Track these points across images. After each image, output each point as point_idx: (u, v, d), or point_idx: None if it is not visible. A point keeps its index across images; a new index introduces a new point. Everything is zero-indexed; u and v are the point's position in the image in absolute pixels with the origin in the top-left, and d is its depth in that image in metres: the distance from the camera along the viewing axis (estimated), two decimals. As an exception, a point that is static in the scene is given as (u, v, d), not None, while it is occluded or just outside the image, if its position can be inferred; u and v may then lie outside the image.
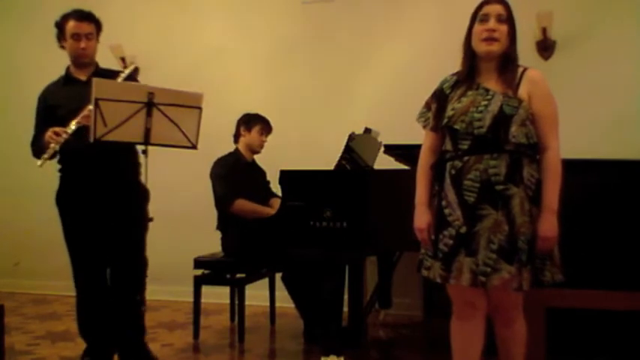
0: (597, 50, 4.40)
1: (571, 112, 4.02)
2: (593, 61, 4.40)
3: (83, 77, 3.07)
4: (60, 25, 3.08)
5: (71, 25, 3.04)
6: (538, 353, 2.72)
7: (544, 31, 4.42)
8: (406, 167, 3.90)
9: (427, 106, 2.45)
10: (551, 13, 4.41)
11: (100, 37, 3.16)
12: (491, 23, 2.26)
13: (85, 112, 2.87)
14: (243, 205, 3.93)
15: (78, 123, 2.88)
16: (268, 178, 4.29)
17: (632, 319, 3.01)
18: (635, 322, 3.05)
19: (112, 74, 3.10)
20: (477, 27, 2.29)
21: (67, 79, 3.09)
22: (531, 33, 4.46)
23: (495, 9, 2.27)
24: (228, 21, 5.32)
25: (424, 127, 2.45)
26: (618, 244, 2.85)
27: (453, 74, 2.40)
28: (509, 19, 2.28)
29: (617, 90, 4.34)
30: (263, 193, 4.25)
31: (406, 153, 3.69)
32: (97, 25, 3.10)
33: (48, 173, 3.25)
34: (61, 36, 3.09)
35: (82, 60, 3.06)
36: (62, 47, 3.11)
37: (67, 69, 3.13)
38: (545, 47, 4.47)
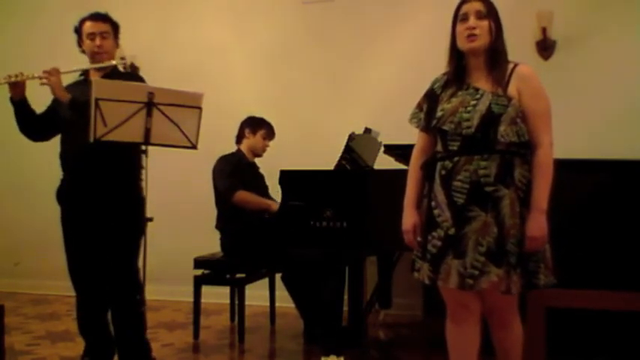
0: (597, 50, 4.41)
1: (571, 111, 4.05)
2: (593, 61, 4.40)
3: (98, 77, 3.07)
4: (77, 29, 3.10)
5: (87, 25, 3.06)
6: (538, 353, 2.72)
7: (544, 31, 4.42)
8: (406, 167, 3.90)
9: (419, 106, 2.43)
10: (551, 13, 4.41)
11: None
12: (471, 21, 2.24)
13: (48, 69, 2.90)
14: (245, 195, 3.93)
15: (40, 77, 2.92)
16: (268, 178, 4.28)
17: (632, 319, 3.01)
18: (635, 322, 3.05)
19: (125, 77, 3.10)
20: (459, 27, 2.28)
21: (83, 80, 3.09)
22: (531, 33, 4.46)
23: (473, 6, 2.26)
24: (229, 21, 5.33)
25: (416, 127, 2.44)
26: (618, 244, 2.85)
27: (444, 73, 2.38)
28: (490, 15, 2.25)
29: (617, 90, 4.34)
30: (263, 194, 4.25)
31: (406, 153, 3.67)
32: (113, 25, 3.11)
33: (49, 173, 3.25)
34: (79, 39, 3.10)
35: (97, 59, 3.06)
36: (83, 52, 3.12)
37: (88, 70, 3.14)
38: (545, 47, 4.47)
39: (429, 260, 2.24)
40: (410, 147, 3.55)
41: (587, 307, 2.86)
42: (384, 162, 3.99)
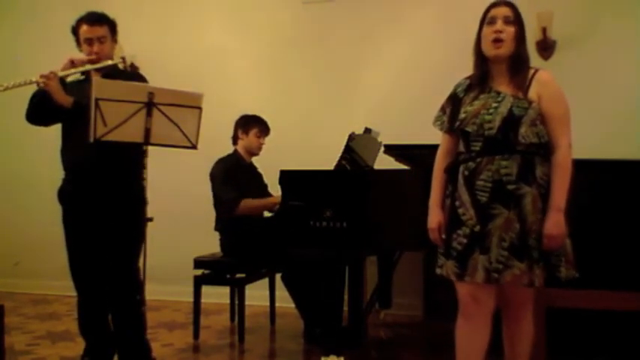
0: (597, 50, 4.41)
1: (570, 112, 4.04)
2: (593, 61, 4.40)
3: (99, 77, 3.07)
4: (74, 30, 3.08)
5: (83, 29, 3.04)
6: (539, 353, 2.72)
7: (544, 31, 4.43)
8: (406, 167, 3.91)
9: (442, 109, 2.50)
10: (551, 13, 4.41)
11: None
12: (499, 25, 2.32)
13: (45, 73, 2.86)
14: (249, 204, 3.92)
15: (37, 82, 2.87)
16: (268, 178, 4.28)
17: (632, 319, 3.01)
18: (635, 322, 3.05)
19: (126, 76, 3.09)
20: (485, 30, 2.35)
21: (85, 79, 3.09)
22: (531, 33, 4.41)
23: (502, 11, 2.34)
24: (229, 21, 5.33)
25: (440, 130, 2.50)
26: (618, 244, 2.85)
27: (467, 77, 2.45)
28: (516, 21, 2.34)
29: (617, 90, 4.34)
30: (263, 195, 4.26)
31: (406, 153, 3.69)
32: (111, 26, 3.09)
33: (48, 174, 3.25)
34: (77, 41, 3.09)
35: (95, 61, 3.05)
36: (81, 51, 3.10)
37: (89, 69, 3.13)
38: (545, 47, 4.47)
39: (454, 257, 2.30)
40: (410, 147, 3.56)
41: (587, 307, 2.86)
42: (384, 162, 3.99)
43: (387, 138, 3.95)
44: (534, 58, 4.37)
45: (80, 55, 3.03)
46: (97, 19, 3.05)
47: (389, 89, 4.81)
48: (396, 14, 4.89)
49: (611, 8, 4.43)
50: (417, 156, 3.55)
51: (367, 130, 4.00)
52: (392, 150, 3.72)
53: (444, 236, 2.38)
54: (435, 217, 2.43)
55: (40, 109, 3.00)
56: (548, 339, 2.83)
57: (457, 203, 2.33)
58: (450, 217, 2.36)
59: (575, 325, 3.15)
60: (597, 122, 4.26)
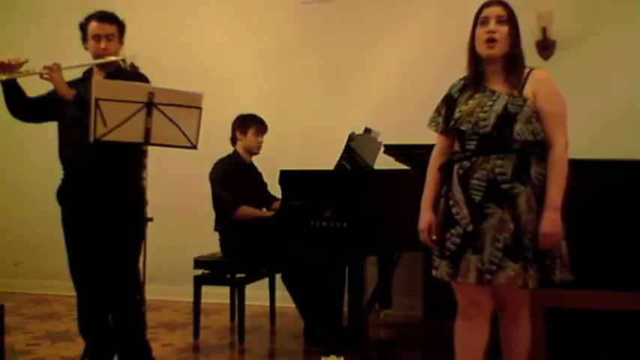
0: (597, 50, 4.41)
1: (570, 111, 4.02)
2: (593, 61, 4.40)
3: (100, 77, 3.07)
4: (83, 27, 3.08)
5: (93, 26, 3.05)
6: (539, 353, 2.72)
7: (544, 31, 4.43)
8: (406, 167, 3.91)
9: (437, 110, 2.50)
10: (551, 13, 4.41)
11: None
12: (491, 25, 2.30)
13: (49, 65, 2.88)
14: (246, 211, 3.93)
15: (40, 73, 2.89)
16: (268, 178, 4.28)
17: (632, 319, 3.01)
18: (635, 322, 3.05)
19: (129, 76, 3.10)
20: (478, 30, 2.33)
21: (86, 78, 3.09)
22: (531, 33, 4.46)
23: (494, 11, 2.32)
24: (228, 21, 5.33)
25: (435, 131, 2.49)
26: (618, 244, 2.85)
27: (462, 78, 2.44)
28: (510, 20, 2.32)
29: (617, 90, 4.34)
30: (263, 195, 4.26)
31: (406, 153, 3.69)
32: (120, 26, 3.10)
33: (49, 173, 3.25)
34: (84, 37, 3.09)
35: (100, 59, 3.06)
36: (86, 49, 3.11)
37: (92, 69, 3.13)
38: (545, 47, 4.47)
39: (447, 257, 2.28)
40: (410, 147, 3.56)
41: (586, 307, 2.86)
42: (384, 162, 3.99)
43: (387, 138, 3.95)
44: (534, 58, 4.40)
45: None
46: (107, 17, 3.07)
47: (389, 89, 4.81)
48: (396, 14, 4.89)
49: (611, 8, 4.42)
50: (417, 156, 3.55)
51: (367, 130, 4.00)
52: (392, 150, 3.73)
53: (434, 237, 2.36)
54: (425, 217, 2.41)
55: (10, 102, 3.01)
56: (548, 339, 2.83)
57: (451, 202, 2.31)
58: (444, 217, 2.34)
59: (575, 325, 3.15)
60: (596, 122, 4.26)
